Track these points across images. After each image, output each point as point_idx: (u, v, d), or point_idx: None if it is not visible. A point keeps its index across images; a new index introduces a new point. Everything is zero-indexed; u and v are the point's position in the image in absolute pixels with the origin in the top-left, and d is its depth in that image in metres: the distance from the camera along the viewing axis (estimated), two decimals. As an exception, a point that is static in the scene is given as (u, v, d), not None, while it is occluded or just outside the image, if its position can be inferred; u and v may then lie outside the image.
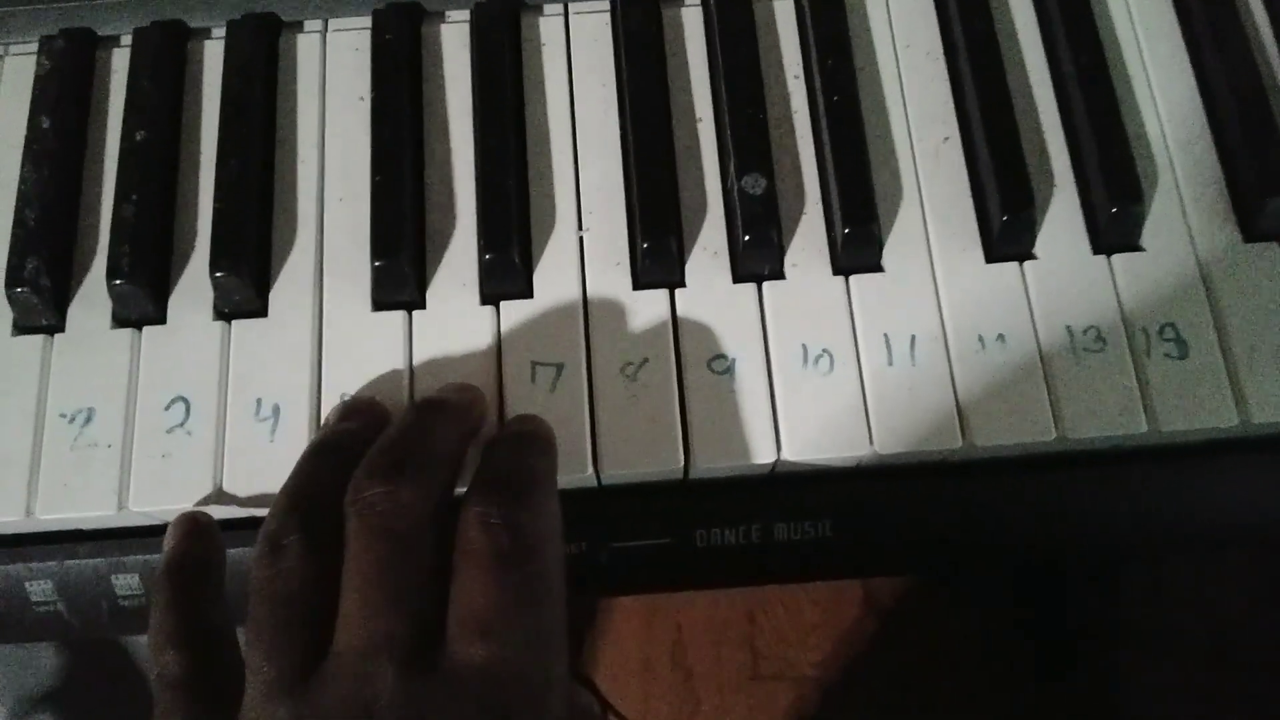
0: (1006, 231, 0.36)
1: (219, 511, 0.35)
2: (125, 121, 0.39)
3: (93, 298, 0.37)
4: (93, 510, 0.35)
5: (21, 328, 0.37)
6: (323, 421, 0.35)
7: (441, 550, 0.30)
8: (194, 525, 0.33)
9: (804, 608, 0.89)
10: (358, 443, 0.32)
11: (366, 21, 0.40)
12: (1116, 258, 0.36)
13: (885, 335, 0.36)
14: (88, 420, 0.35)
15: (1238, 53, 0.38)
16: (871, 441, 0.34)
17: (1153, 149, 0.38)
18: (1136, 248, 0.37)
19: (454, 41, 0.40)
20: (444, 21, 0.41)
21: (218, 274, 0.36)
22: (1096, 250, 0.37)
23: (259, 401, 0.35)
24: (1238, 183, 0.37)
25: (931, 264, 0.37)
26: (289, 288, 0.37)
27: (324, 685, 0.27)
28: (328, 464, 0.32)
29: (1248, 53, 0.39)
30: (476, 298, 0.37)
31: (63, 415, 0.35)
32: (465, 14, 0.40)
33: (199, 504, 0.34)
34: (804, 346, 0.36)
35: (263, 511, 0.32)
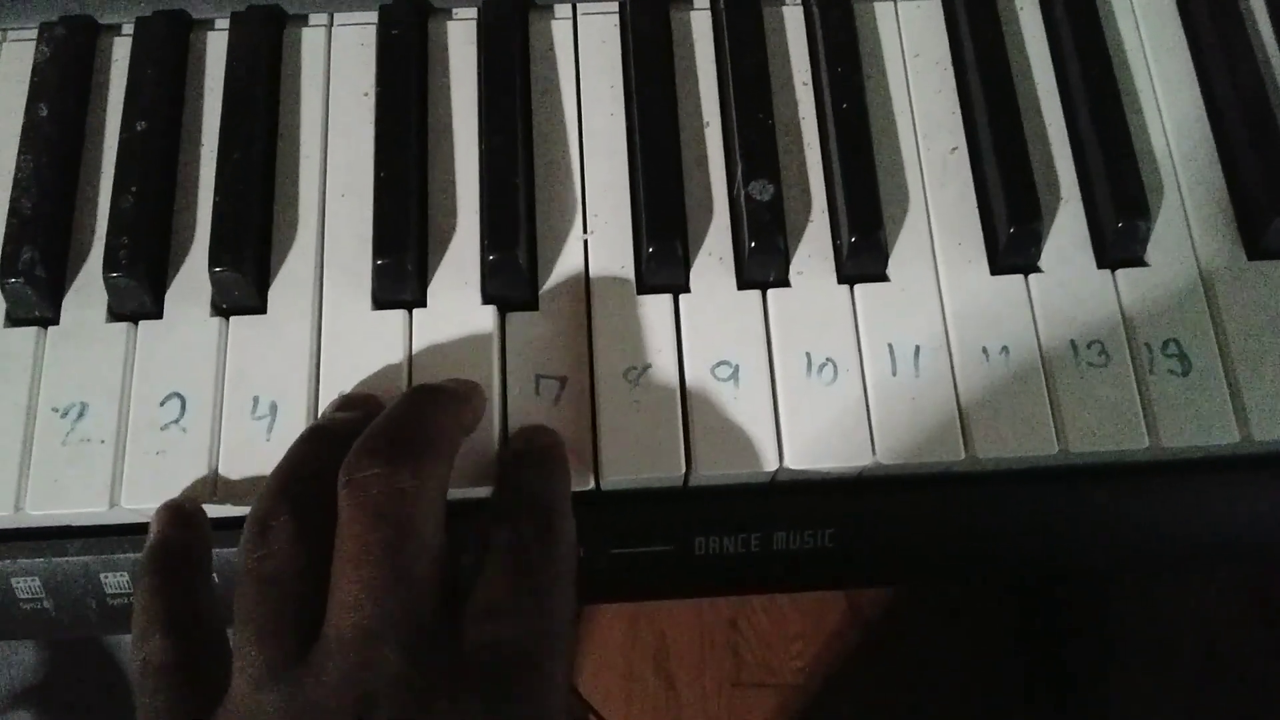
0: (1012, 244, 0.36)
1: (213, 509, 0.34)
2: (125, 111, 0.38)
3: (88, 290, 0.36)
4: (84, 507, 0.34)
5: (14, 319, 0.36)
6: (319, 414, 0.35)
7: (438, 535, 0.29)
8: (178, 512, 0.32)
9: (787, 615, 0.89)
10: (353, 430, 0.31)
11: (373, 16, 0.40)
12: (1121, 272, 0.37)
13: (889, 345, 0.35)
14: (80, 415, 0.35)
15: (1244, 71, 0.39)
16: (874, 451, 0.34)
17: (1159, 165, 0.38)
18: (1141, 263, 0.37)
19: (461, 39, 0.40)
20: (451, 18, 0.40)
21: (217, 269, 0.35)
22: (1101, 264, 0.37)
23: (256, 399, 0.35)
24: (1243, 200, 0.38)
25: (937, 274, 0.37)
26: (289, 284, 0.37)
27: (317, 670, 0.27)
28: (321, 448, 0.31)
29: (1254, 71, 0.39)
30: (479, 297, 0.36)
31: (55, 409, 0.35)
32: (473, 11, 0.40)
33: (189, 495, 0.34)
34: (808, 355, 0.35)
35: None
